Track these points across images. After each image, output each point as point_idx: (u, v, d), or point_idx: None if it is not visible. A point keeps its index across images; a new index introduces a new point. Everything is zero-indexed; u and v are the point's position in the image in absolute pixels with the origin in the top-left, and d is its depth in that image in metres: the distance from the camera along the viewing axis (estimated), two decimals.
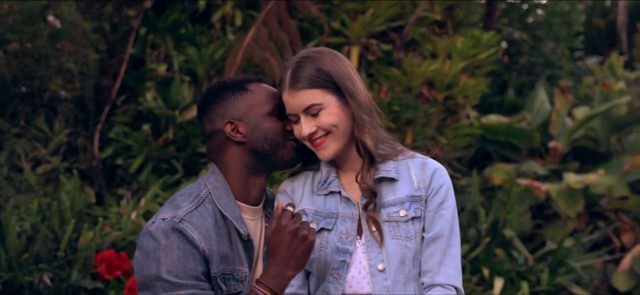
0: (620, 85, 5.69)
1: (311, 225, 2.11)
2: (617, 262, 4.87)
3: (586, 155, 5.49)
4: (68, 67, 4.69)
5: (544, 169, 5.18)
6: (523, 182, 4.77)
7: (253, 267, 2.18)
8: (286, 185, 2.21)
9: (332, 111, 2.08)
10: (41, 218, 3.74)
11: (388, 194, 2.14)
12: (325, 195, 2.16)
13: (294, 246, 2.07)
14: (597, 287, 4.68)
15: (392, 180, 2.14)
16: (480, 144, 5.27)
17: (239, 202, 2.15)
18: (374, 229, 2.11)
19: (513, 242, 4.36)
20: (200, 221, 2.09)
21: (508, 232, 4.31)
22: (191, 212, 2.09)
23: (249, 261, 2.16)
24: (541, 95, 5.83)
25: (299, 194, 2.18)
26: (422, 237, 2.13)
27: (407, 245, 2.11)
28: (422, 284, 2.13)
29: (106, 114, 4.76)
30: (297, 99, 2.10)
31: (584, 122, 5.48)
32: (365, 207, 2.12)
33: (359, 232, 2.14)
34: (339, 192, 2.16)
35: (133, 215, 4.03)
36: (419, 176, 2.14)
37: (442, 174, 2.15)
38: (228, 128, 2.13)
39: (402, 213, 2.12)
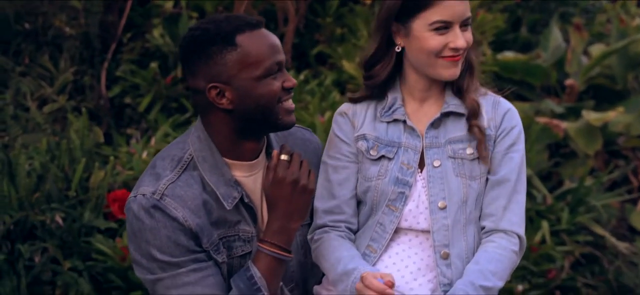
0: (638, 21, 5.56)
1: (371, 152, 2.00)
2: (635, 201, 4.80)
3: (602, 93, 5.38)
4: (72, 3, 4.54)
5: (561, 107, 5.07)
6: (541, 120, 4.66)
7: (259, 224, 2.01)
8: (347, 108, 2.09)
9: (470, 29, 1.99)
10: (50, 157, 3.63)
11: (455, 130, 2.02)
12: (388, 122, 2.04)
13: (295, 198, 1.91)
14: (616, 227, 4.61)
15: (460, 115, 2.03)
16: (495, 82, 5.15)
17: (230, 161, 1.94)
18: (437, 163, 2.00)
19: (532, 181, 4.26)
20: (184, 191, 1.88)
21: (527, 171, 4.22)
22: (174, 183, 1.88)
23: (253, 219, 2.00)
24: (555, 32, 5.69)
25: (361, 118, 2.06)
26: (487, 179, 2.00)
27: (470, 185, 1.99)
28: (483, 228, 2.01)
29: (112, 51, 4.62)
30: (464, 7, 1.95)
31: (601, 59, 5.35)
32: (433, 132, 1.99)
33: (421, 165, 2.03)
34: (404, 121, 2.04)
35: (144, 154, 3.92)
36: (490, 114, 2.03)
37: (514, 116, 2.04)
38: (212, 93, 1.89)
39: (469, 151, 2.01)
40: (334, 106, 4.06)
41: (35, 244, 3.28)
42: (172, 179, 1.88)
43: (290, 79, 1.92)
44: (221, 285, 1.88)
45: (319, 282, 2.07)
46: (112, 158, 3.65)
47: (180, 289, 1.85)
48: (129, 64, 4.58)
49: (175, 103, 4.51)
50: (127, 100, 4.50)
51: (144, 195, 1.86)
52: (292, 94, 1.92)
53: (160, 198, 1.85)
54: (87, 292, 3.18)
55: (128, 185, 3.70)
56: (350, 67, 4.24)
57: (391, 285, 1.84)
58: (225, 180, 1.92)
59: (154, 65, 4.48)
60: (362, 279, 1.87)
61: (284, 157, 1.90)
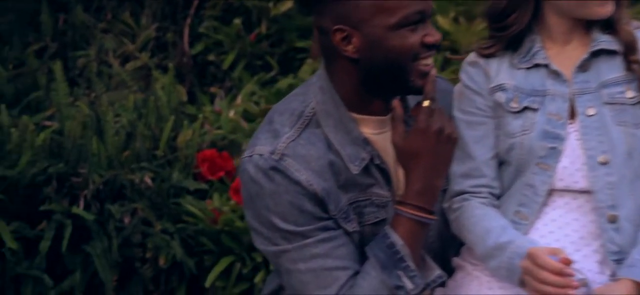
0: None
1: (511, 104, 1.77)
2: None
3: None
4: None
5: None
6: None
7: (394, 187, 1.77)
8: (477, 56, 1.86)
9: None
10: (137, 115, 3.50)
11: (609, 71, 1.77)
12: (528, 68, 1.79)
13: (440, 150, 1.65)
14: None
15: (613, 53, 1.78)
16: None
17: (357, 116, 1.71)
18: (592, 112, 1.76)
19: None
20: (307, 150, 1.66)
21: None
22: (295, 141, 1.67)
23: (387, 181, 1.75)
24: None
25: (494, 66, 1.81)
26: None
27: (635, 134, 1.74)
28: None
29: (195, 7, 4.46)
30: None
31: None
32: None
33: (571, 115, 1.79)
34: (546, 65, 1.79)
35: (231, 113, 3.76)
36: None
37: None
38: (337, 37, 1.66)
39: (629, 94, 1.75)
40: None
41: (124, 205, 3.16)
42: (292, 136, 1.66)
43: (433, 33, 1.67)
44: (354, 256, 1.67)
45: (457, 253, 1.87)
46: (201, 116, 3.49)
47: (309, 262, 1.64)
48: (211, 20, 4.42)
49: (260, 61, 4.34)
50: (211, 57, 4.35)
51: (261, 155, 1.65)
52: (434, 52, 1.68)
53: (280, 158, 1.64)
54: (180, 256, 3.04)
55: (216, 145, 3.55)
56: (445, 22, 4.00)
57: (568, 263, 1.62)
58: (351, 139, 1.69)
59: (237, 21, 4.31)
60: (530, 256, 1.65)
61: (426, 103, 1.67)
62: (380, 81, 1.68)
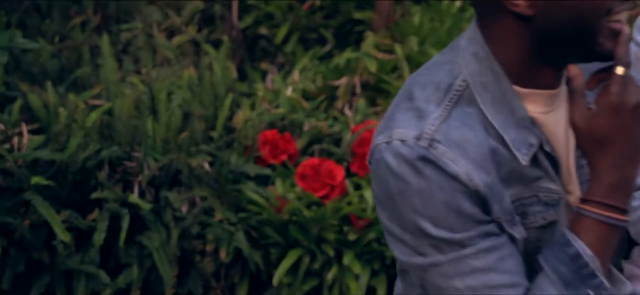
0: None
1: None
2: None
3: None
4: None
5: None
6: None
7: (564, 180, 1.43)
8: None
9: None
10: (191, 93, 3.23)
11: None
12: None
13: (638, 131, 1.31)
14: None
15: None
16: None
17: (522, 89, 1.37)
18: None
19: None
20: (462, 134, 1.32)
21: None
22: (446, 122, 1.33)
23: (556, 172, 1.41)
24: None
25: None
26: None
27: None
28: None
29: None
30: None
31: None
32: None
33: None
34: None
35: (288, 91, 3.48)
36: None
37: None
38: None
39: None
40: None
41: (181, 192, 2.89)
42: (441, 116, 1.31)
43: None
44: (523, 270, 1.36)
45: (627, 257, 1.57)
46: (260, 93, 3.22)
47: (468, 278, 1.30)
48: None
49: (315, 34, 4.05)
50: (261, 31, 4.06)
51: (403, 141, 1.30)
52: (627, 7, 1.35)
53: (430, 145, 1.30)
54: (246, 250, 2.78)
55: (275, 126, 3.27)
56: None
57: None
58: (516, 120, 1.34)
59: None
60: None
61: (619, 71, 1.30)
62: (560, 45, 1.32)
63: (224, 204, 2.92)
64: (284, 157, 3.11)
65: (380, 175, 1.34)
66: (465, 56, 1.35)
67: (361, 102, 3.39)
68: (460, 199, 1.30)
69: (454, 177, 1.30)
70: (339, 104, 3.55)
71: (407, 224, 1.32)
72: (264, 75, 3.92)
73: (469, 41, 1.36)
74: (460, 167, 1.30)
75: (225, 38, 3.50)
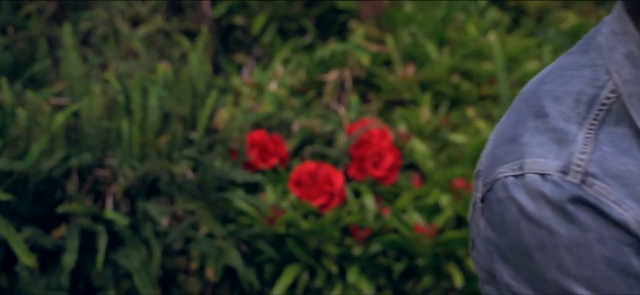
0: None
1: None
2: None
3: None
4: None
5: None
6: None
7: None
8: None
9: None
10: (167, 91, 2.86)
11: None
12: None
13: None
14: None
15: None
16: None
17: None
18: None
19: None
20: (623, 166, 0.99)
21: None
22: (599, 150, 0.99)
23: None
24: None
25: None
26: None
27: None
28: None
29: None
30: None
31: None
32: None
33: None
34: None
35: (272, 86, 3.14)
36: None
37: None
38: None
39: None
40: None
41: (161, 203, 2.53)
42: (591, 138, 0.96)
43: None
44: None
45: None
46: (245, 90, 2.88)
47: None
48: None
49: (294, 24, 3.71)
50: (237, 20, 3.71)
51: (544, 174, 0.94)
52: None
53: (584, 181, 0.95)
54: (240, 268, 2.44)
55: (262, 126, 2.93)
56: None
57: None
58: None
59: None
60: None
61: None
62: None
63: (210, 215, 2.58)
64: (275, 161, 2.78)
65: (506, 220, 0.95)
66: (614, 57, 0.98)
67: (354, 99, 3.07)
68: (628, 254, 0.93)
69: (619, 225, 0.93)
70: (326, 99, 3.24)
71: (547, 286, 0.95)
72: (239, 68, 3.57)
73: (614, 37, 1.00)
74: (627, 210, 0.93)
75: (204, 28, 3.15)
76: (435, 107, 3.18)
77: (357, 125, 2.90)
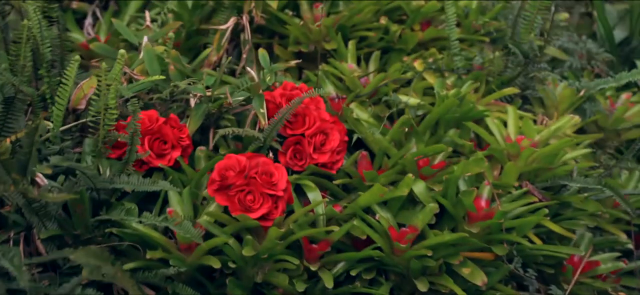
0: None
1: None
2: None
3: None
4: None
5: None
6: None
7: None
8: None
9: None
10: None
11: None
12: None
13: None
14: None
15: None
16: None
17: None
18: None
19: None
20: None
21: None
22: None
23: None
24: None
25: None
26: None
27: None
28: None
29: None
30: None
31: None
32: None
33: None
34: None
35: (145, 42, 2.20)
36: None
37: None
38: None
39: None
40: None
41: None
42: None
43: None
44: None
45: None
46: (120, 54, 1.92)
47: None
48: None
49: None
50: None
51: None
52: None
53: None
54: None
55: (144, 104, 2.00)
56: None
57: None
58: None
59: None
60: None
61: None
62: None
63: (90, 252, 1.64)
64: (177, 154, 1.88)
65: None
66: None
67: (263, 54, 2.20)
68: None
69: None
70: (213, 58, 2.35)
71: None
72: (80, 20, 2.57)
73: None
74: None
75: None
76: (362, 60, 2.40)
77: (278, 92, 2.06)
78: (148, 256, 1.64)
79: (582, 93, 2.41)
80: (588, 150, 2.24)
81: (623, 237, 2.20)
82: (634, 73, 2.37)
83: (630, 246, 2.22)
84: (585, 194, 2.15)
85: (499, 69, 2.40)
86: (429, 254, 1.83)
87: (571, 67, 2.64)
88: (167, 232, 1.76)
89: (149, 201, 1.81)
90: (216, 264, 1.66)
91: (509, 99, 2.41)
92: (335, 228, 1.82)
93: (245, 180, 1.76)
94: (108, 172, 1.76)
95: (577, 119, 2.26)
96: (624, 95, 2.56)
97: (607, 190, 2.08)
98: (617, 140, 2.48)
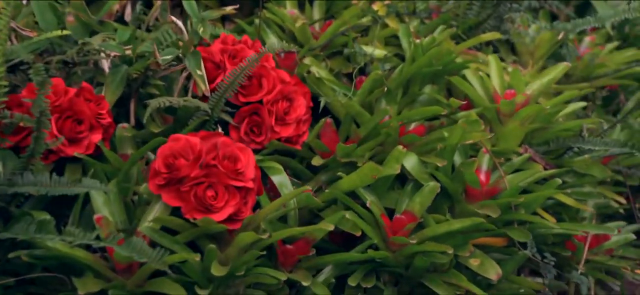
0: None
1: None
2: None
3: None
4: None
5: None
6: None
7: None
8: None
9: None
10: None
11: None
12: None
13: None
14: None
15: None
16: None
17: None
18: None
19: None
20: None
21: None
22: None
23: None
24: None
25: None
26: None
27: None
28: None
29: None
30: None
31: None
32: None
33: None
34: None
35: None
36: None
37: None
38: None
39: None
40: None
41: None
42: None
43: None
44: None
45: None
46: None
47: None
48: None
49: None
50: None
51: None
52: None
53: None
54: None
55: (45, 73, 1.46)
56: None
57: None
58: None
59: None
60: None
61: None
62: None
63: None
64: (97, 138, 1.36)
65: None
66: None
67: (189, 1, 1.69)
68: None
69: None
70: (114, 6, 1.81)
71: None
72: None
73: None
74: None
75: None
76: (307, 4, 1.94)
77: (217, 48, 1.57)
78: (80, 292, 1.13)
79: (561, 36, 2.06)
80: (583, 103, 1.89)
81: (623, 201, 1.89)
82: (619, 12, 2.05)
83: (622, 211, 1.92)
84: (587, 156, 1.81)
85: (465, 11, 2.02)
86: (438, 248, 1.42)
87: (529, 7, 2.30)
88: (90, 246, 1.25)
89: (62, 204, 1.29)
90: (175, 290, 1.18)
91: (478, 47, 2.04)
92: (330, 226, 1.37)
93: (202, 170, 1.28)
94: (2, 170, 1.23)
95: (566, 65, 1.90)
96: (588, 38, 2.24)
97: (611, 150, 1.75)
98: (587, 89, 2.15)
